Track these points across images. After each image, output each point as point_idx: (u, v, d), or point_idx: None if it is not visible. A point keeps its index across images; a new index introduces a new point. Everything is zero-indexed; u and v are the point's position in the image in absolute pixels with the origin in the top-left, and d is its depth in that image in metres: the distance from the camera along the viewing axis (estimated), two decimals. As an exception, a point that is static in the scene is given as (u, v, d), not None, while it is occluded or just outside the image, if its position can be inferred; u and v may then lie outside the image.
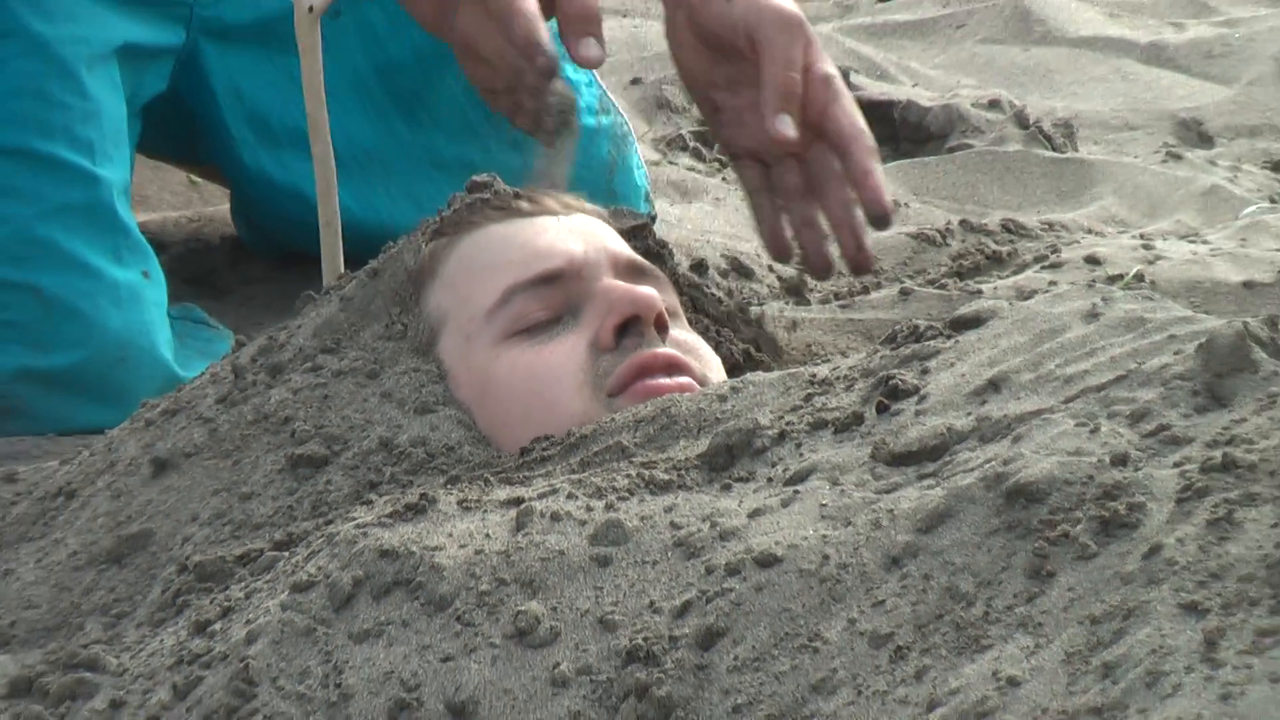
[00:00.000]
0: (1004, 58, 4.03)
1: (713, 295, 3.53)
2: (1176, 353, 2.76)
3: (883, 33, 4.09)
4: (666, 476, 2.85)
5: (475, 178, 3.28)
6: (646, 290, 3.09)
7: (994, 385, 2.84)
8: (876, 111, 4.08)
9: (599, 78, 4.00)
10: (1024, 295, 3.18)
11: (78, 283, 3.38)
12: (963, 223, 3.59)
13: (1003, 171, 3.69)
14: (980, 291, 3.37)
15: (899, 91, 4.09)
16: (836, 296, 3.50)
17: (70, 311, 3.37)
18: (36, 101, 3.41)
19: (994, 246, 3.51)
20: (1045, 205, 3.61)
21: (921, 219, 3.58)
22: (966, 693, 2.49)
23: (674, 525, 2.74)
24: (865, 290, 3.50)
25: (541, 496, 2.82)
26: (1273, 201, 3.56)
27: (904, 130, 4.26)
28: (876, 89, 3.96)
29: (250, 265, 3.62)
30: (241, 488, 3.03)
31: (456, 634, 2.70)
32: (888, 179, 3.89)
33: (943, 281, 3.50)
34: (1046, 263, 3.41)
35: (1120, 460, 2.62)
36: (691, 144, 3.74)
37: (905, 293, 3.66)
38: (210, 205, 3.67)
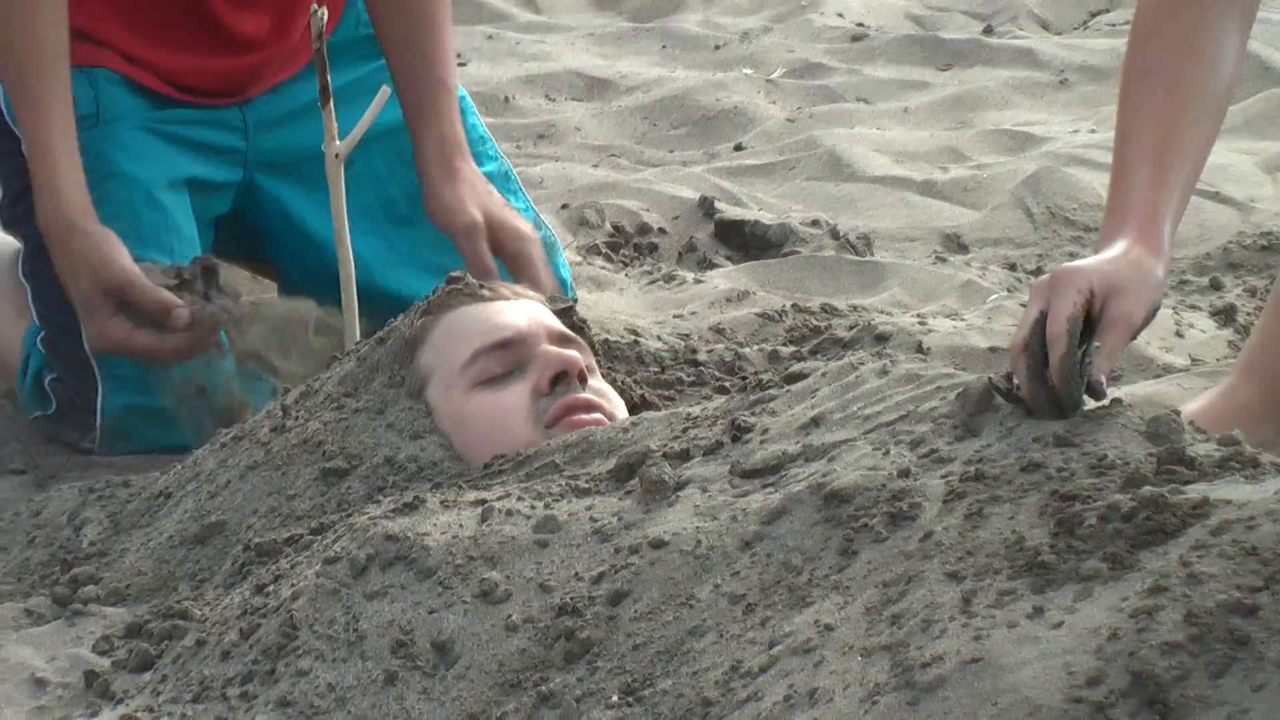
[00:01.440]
0: (822, 190, 3.99)
1: (626, 354, 3.51)
2: (942, 399, 2.82)
3: (738, 172, 4.05)
4: (586, 485, 2.87)
5: (451, 274, 3.22)
6: (572, 353, 3.10)
7: (814, 422, 2.86)
8: (733, 228, 4.14)
9: (534, 204, 3.86)
10: (837, 358, 3.19)
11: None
12: (794, 306, 3.61)
13: (821, 270, 3.69)
14: (805, 356, 3.40)
15: (749, 214, 4.08)
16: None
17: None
18: (131, 219, 3.33)
19: (815, 323, 3.52)
20: (851, 294, 3.62)
21: (764, 304, 3.60)
22: (796, 635, 2.54)
23: (592, 519, 2.78)
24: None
25: (499, 499, 2.84)
26: (1010, 292, 3.59)
27: (752, 241, 4.23)
28: (733, 212, 3.92)
29: None
30: (288, 491, 3.04)
31: (439, 594, 2.73)
32: (745, 275, 3.91)
33: (777, 349, 3.53)
34: (853, 334, 3.45)
35: (904, 473, 2.68)
36: (604, 250, 3.72)
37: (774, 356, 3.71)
38: (267, 292, 3.66)
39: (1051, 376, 2.75)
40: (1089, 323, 2.78)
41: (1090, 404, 2.77)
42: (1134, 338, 2.86)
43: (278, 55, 3.47)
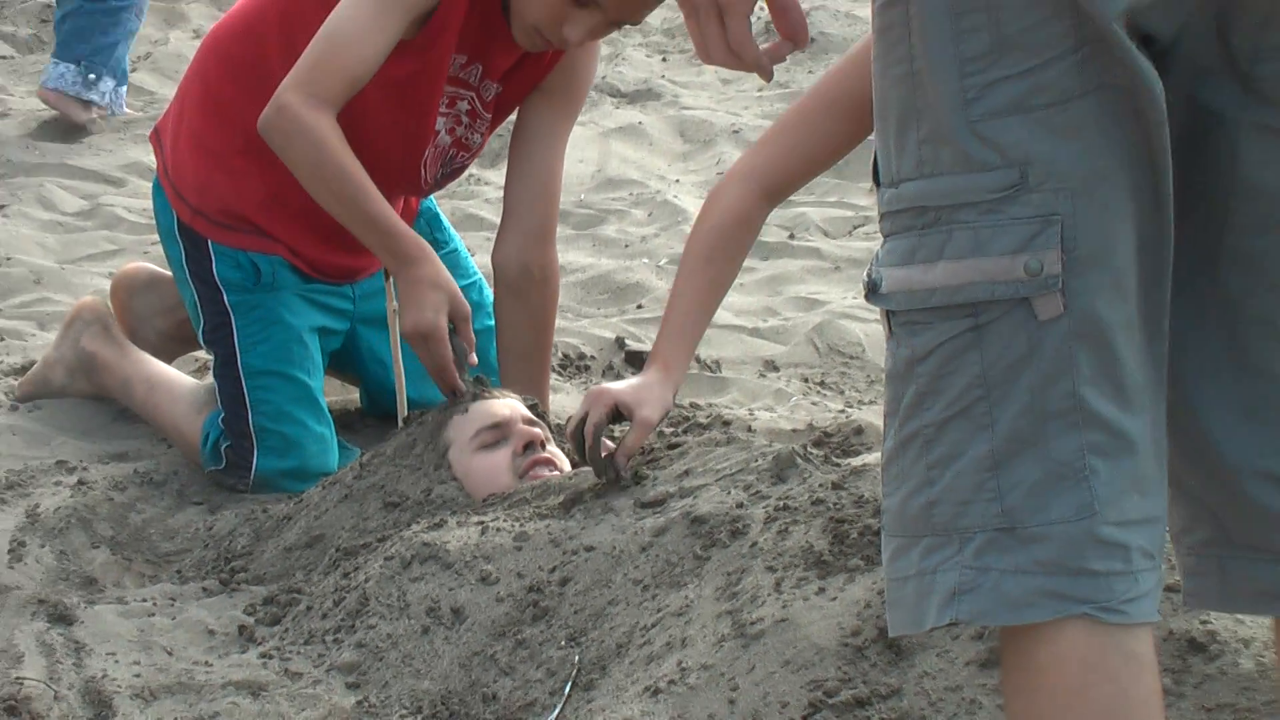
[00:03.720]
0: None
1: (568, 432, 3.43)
2: (762, 459, 2.76)
3: (639, 322, 3.92)
4: (545, 512, 2.82)
5: (474, 383, 3.12)
6: (536, 430, 3.03)
7: (685, 473, 2.81)
8: (636, 355, 3.86)
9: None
10: (699, 435, 3.16)
11: (300, 431, 3.26)
12: (678, 407, 3.61)
13: (689, 382, 3.69)
14: (680, 434, 3.35)
15: (646, 347, 3.89)
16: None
17: (296, 443, 3.25)
18: (286, 350, 3.26)
19: (686, 414, 3.49)
20: (708, 396, 3.49)
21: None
22: (672, 605, 2.53)
23: (549, 533, 2.73)
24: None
25: (492, 520, 2.80)
26: (804, 395, 3.63)
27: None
28: (636, 346, 3.90)
29: (366, 419, 3.55)
30: (363, 515, 2.99)
31: (455, 578, 2.69)
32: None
33: (662, 429, 3.51)
34: (709, 420, 3.40)
35: (739, 505, 2.64)
36: (556, 369, 3.74)
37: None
38: (350, 394, 3.64)
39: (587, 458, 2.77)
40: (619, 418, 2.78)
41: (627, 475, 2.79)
42: (651, 432, 2.82)
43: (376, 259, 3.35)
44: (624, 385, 2.83)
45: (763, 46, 1.70)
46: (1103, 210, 1.52)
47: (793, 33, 1.69)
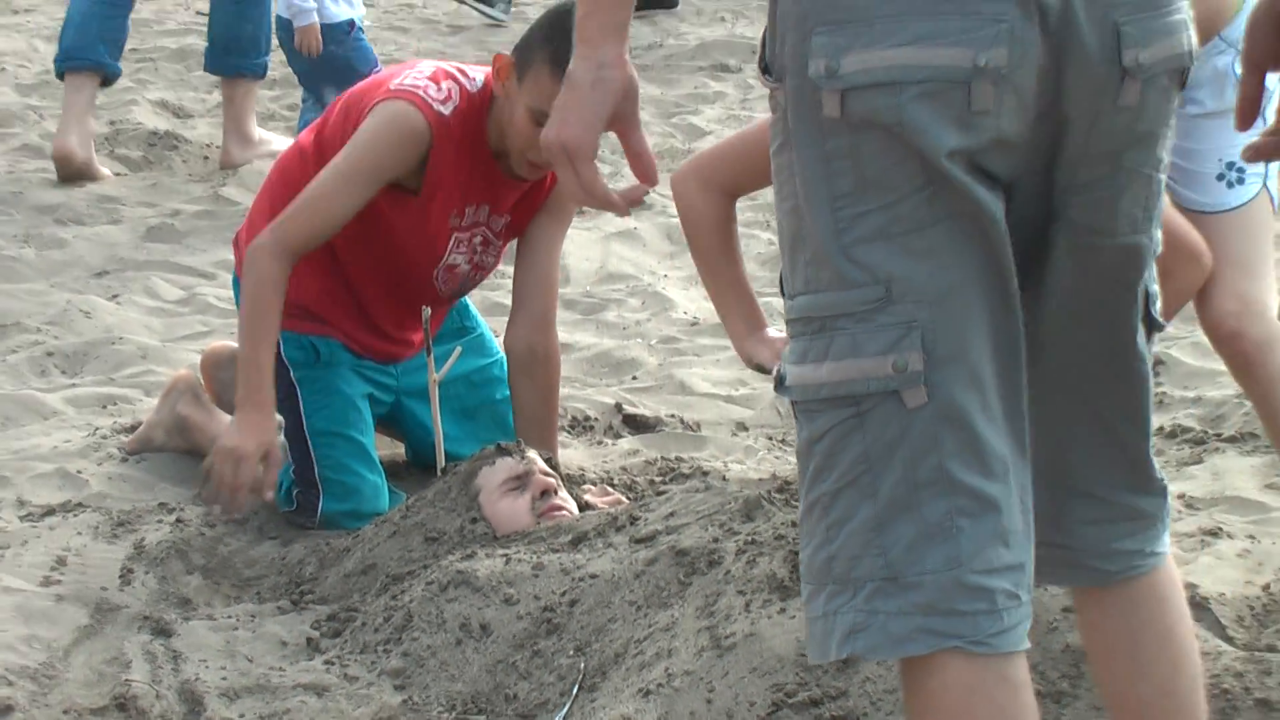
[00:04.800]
0: (674, 399, 3.88)
1: (576, 480, 3.31)
2: (734, 501, 2.73)
3: (635, 390, 3.99)
4: (557, 548, 2.80)
5: (487, 447, 3.07)
6: (551, 479, 2.99)
7: (671, 514, 2.78)
8: (633, 418, 3.72)
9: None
10: (682, 483, 3.13)
11: (357, 480, 3.21)
12: (661, 457, 3.50)
13: (675, 440, 3.63)
14: (666, 482, 3.33)
15: (640, 411, 3.87)
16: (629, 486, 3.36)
17: (354, 489, 3.20)
18: (343, 417, 3.22)
19: (671, 465, 3.45)
20: (689, 452, 3.58)
21: (646, 456, 3.44)
22: (661, 622, 2.51)
23: (560, 564, 2.71)
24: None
25: (514, 553, 2.78)
26: (768, 450, 3.57)
27: (642, 425, 3.69)
28: (631, 410, 3.76)
29: (410, 469, 3.50)
30: (408, 548, 2.94)
31: (484, 600, 2.67)
32: (638, 442, 3.60)
33: (653, 478, 3.49)
34: (690, 471, 3.37)
35: (715, 540, 2.61)
36: (566, 428, 3.65)
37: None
38: (396, 448, 3.60)
39: None
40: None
41: None
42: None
43: (416, 344, 3.34)
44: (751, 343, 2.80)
45: (622, 187, 1.70)
46: (956, 317, 1.56)
47: (645, 175, 1.68)
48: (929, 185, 1.54)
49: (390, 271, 3.19)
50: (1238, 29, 2.51)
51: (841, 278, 1.56)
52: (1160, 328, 1.74)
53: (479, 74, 3.10)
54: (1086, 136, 1.58)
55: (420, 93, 3.01)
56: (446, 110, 3.01)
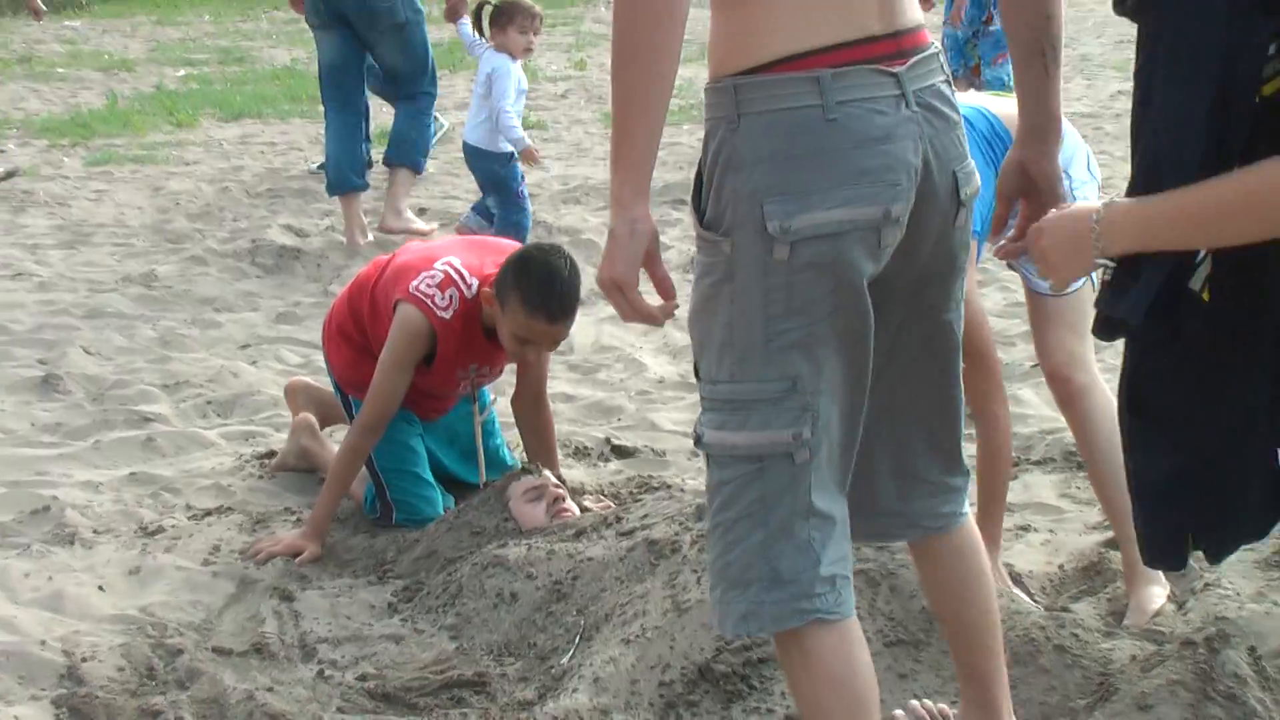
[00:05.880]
0: (644, 435, 3.86)
1: (577, 490, 3.21)
2: (690, 506, 2.69)
3: (620, 429, 3.85)
4: (564, 539, 2.75)
5: (524, 466, 3.06)
6: (561, 491, 2.95)
7: (645, 515, 2.74)
8: (620, 448, 3.60)
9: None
10: (653, 493, 3.05)
11: (419, 500, 3.12)
12: (638, 475, 3.39)
13: (648, 463, 3.50)
14: (642, 492, 3.20)
15: (626, 443, 3.71)
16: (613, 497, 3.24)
17: (415, 507, 3.11)
18: (402, 458, 3.13)
19: (646, 481, 3.32)
20: (657, 472, 3.45)
21: (628, 474, 3.40)
22: (637, 591, 2.46)
23: (567, 551, 2.67)
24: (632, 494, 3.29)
25: (534, 543, 2.74)
26: None
27: (626, 454, 3.55)
28: (618, 442, 3.63)
29: (459, 484, 3.35)
30: (459, 540, 2.89)
31: (513, 576, 2.63)
32: (624, 465, 3.42)
33: (633, 490, 3.42)
34: (659, 485, 3.20)
35: (675, 534, 2.57)
36: (564, 459, 3.49)
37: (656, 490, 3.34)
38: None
39: None
40: None
41: None
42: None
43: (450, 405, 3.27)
44: None
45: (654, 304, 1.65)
46: (830, 401, 1.61)
47: (666, 294, 1.64)
48: (836, 311, 1.57)
49: (421, 394, 3.18)
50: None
51: (762, 375, 1.58)
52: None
53: (475, 281, 3.03)
54: (934, 246, 1.65)
55: (428, 302, 2.97)
56: (448, 315, 2.97)
